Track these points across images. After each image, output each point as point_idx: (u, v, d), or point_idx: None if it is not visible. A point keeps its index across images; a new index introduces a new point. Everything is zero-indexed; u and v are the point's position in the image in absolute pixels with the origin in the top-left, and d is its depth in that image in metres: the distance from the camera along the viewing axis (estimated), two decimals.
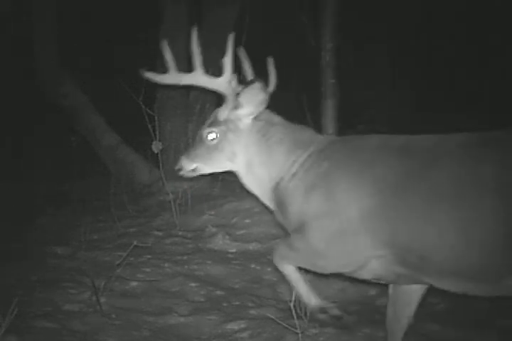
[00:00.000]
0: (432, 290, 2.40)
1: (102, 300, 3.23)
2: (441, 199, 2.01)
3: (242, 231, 4.43)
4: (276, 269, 2.55)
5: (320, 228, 2.25)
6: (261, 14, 5.64)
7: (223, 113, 2.55)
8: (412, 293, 2.42)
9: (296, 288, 2.42)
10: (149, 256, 3.96)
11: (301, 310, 2.97)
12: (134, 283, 3.56)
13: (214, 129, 2.55)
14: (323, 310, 2.35)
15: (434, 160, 2.07)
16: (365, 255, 2.19)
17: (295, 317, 2.80)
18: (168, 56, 2.47)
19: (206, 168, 2.66)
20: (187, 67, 5.05)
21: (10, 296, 2.77)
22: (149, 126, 4.70)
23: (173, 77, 2.54)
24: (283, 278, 2.49)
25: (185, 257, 3.99)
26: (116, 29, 6.80)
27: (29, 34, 5.46)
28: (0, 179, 5.57)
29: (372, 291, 3.53)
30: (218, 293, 3.48)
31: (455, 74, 7.24)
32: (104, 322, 3.03)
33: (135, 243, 3.51)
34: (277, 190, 2.47)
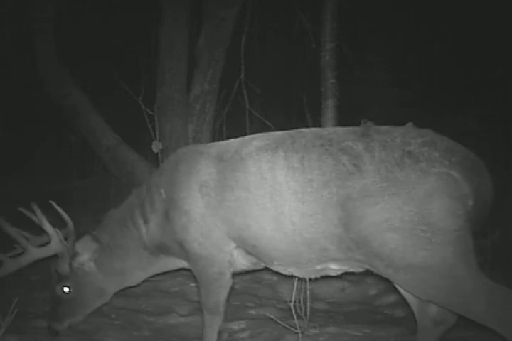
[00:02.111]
0: None
1: None
2: (249, 197, 2.28)
3: None
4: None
5: (192, 238, 2.48)
6: (261, 14, 5.64)
7: (64, 266, 2.73)
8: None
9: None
10: None
11: (301, 310, 2.97)
12: None
13: (66, 283, 2.72)
14: None
15: (240, 163, 2.34)
16: (227, 248, 2.47)
17: (295, 317, 2.80)
18: None
19: (81, 316, 2.82)
20: (188, 67, 5.03)
21: (10, 296, 2.78)
22: (149, 126, 4.71)
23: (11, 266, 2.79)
24: (283, 278, 2.49)
25: None
26: (116, 29, 6.80)
27: (29, 34, 5.46)
28: (0, 179, 5.56)
29: (373, 291, 3.53)
30: None
31: (455, 74, 7.24)
32: (104, 322, 3.04)
33: None
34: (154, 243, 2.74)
